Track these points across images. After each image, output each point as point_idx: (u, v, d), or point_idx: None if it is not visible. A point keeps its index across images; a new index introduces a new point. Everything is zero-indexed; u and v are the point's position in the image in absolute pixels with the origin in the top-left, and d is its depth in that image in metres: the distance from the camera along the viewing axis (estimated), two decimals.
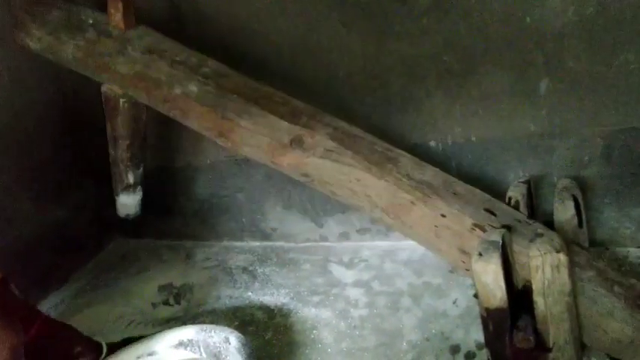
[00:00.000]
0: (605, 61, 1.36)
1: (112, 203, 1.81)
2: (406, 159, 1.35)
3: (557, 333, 1.10)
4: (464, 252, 1.23)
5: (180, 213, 2.10)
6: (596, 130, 1.44)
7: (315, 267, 1.85)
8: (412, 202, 1.28)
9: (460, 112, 1.56)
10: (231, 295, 1.78)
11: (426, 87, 1.57)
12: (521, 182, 1.39)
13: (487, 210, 1.24)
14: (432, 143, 1.64)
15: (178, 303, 1.80)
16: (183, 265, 2.00)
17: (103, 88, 1.58)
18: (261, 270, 1.88)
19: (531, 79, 1.44)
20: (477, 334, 1.36)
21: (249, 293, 1.77)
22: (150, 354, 1.45)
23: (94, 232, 2.17)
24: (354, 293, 1.68)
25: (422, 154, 1.64)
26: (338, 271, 1.80)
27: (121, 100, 1.56)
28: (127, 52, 1.51)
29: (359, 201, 1.36)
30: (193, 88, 1.45)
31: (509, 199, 1.33)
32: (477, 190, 1.31)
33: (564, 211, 1.29)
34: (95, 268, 2.09)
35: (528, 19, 1.38)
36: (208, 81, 1.45)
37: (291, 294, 1.73)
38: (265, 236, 2.02)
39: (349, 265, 1.82)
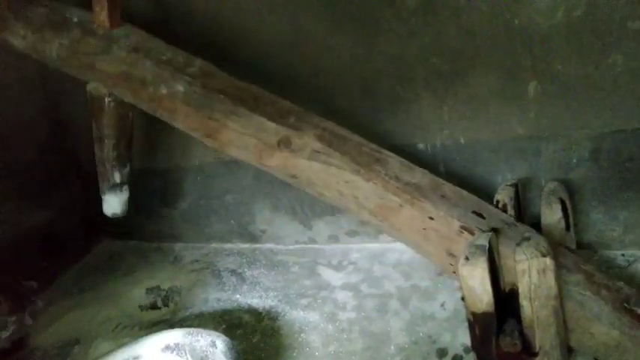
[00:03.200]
0: (594, 64, 1.36)
1: (100, 204, 1.79)
2: (394, 160, 1.35)
3: (544, 337, 1.10)
4: (452, 255, 1.23)
5: (169, 215, 2.08)
6: (584, 132, 1.44)
7: (304, 269, 1.84)
8: (400, 205, 1.27)
9: (448, 114, 1.56)
10: (219, 297, 1.77)
11: (415, 89, 1.56)
12: (509, 185, 1.39)
13: (475, 213, 1.24)
14: (421, 145, 1.63)
15: (166, 305, 1.79)
16: (171, 268, 1.99)
17: (89, 88, 1.56)
18: (250, 272, 1.87)
19: (520, 81, 1.44)
20: (465, 337, 1.36)
21: (238, 296, 1.76)
22: (135, 357, 1.44)
23: (81, 233, 2.15)
24: (342, 296, 1.67)
25: (410, 156, 1.63)
26: (326, 273, 1.79)
27: (107, 100, 1.54)
28: (113, 51, 1.48)
29: (347, 203, 1.35)
30: (180, 87, 1.43)
31: (497, 202, 1.33)
32: (466, 193, 1.30)
33: (551, 214, 1.29)
34: (82, 270, 2.07)
35: (517, 20, 1.38)
36: (195, 81, 1.43)
37: (280, 297, 1.72)
38: (254, 238, 2.00)
39: (338, 268, 1.81)
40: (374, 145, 1.38)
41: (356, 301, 1.63)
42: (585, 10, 1.31)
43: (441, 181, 1.33)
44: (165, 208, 2.06)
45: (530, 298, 1.09)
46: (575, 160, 1.47)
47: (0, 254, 1.79)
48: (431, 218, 1.25)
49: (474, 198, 1.30)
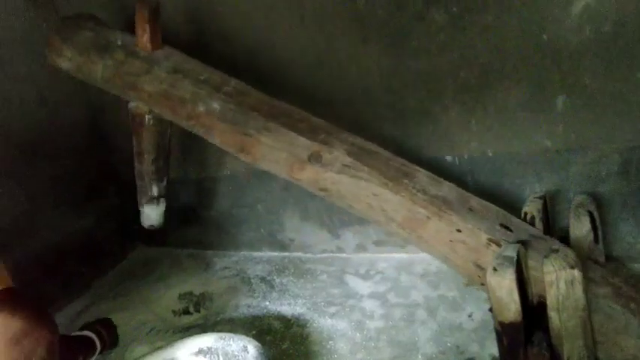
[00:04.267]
0: (622, 78, 1.37)
1: (135, 213, 1.86)
2: (422, 174, 1.38)
3: (571, 348, 1.11)
4: (479, 267, 1.25)
5: (201, 223, 2.15)
6: (613, 146, 1.44)
7: (332, 278, 1.87)
8: (428, 217, 1.30)
9: (476, 127, 1.58)
10: (249, 304, 1.82)
11: (443, 102, 1.59)
12: (537, 197, 1.40)
13: (502, 225, 1.26)
14: (449, 157, 1.66)
15: (198, 311, 1.84)
16: (203, 274, 2.04)
17: (130, 106, 1.65)
18: (279, 280, 1.92)
19: (548, 95, 1.46)
20: (492, 348, 1.37)
21: (267, 303, 1.80)
22: None
23: (117, 240, 2.23)
24: (370, 305, 1.70)
25: (438, 168, 1.67)
26: (354, 282, 1.83)
27: (147, 117, 1.62)
28: (154, 71, 1.56)
29: (375, 215, 1.38)
30: (216, 105, 1.50)
31: (525, 214, 1.34)
32: (492, 206, 1.32)
33: (580, 227, 1.30)
34: (117, 276, 2.15)
35: (545, 36, 1.40)
36: (230, 99, 1.50)
37: (308, 304, 1.76)
38: (283, 247, 2.05)
39: (365, 277, 1.84)
40: (402, 160, 1.41)
41: (383, 310, 1.66)
42: (613, 27, 1.33)
43: (468, 194, 1.35)
44: (197, 216, 2.13)
45: (558, 310, 1.10)
46: (604, 173, 1.48)
47: (42, 259, 1.87)
48: (458, 231, 1.27)
49: (502, 211, 1.31)
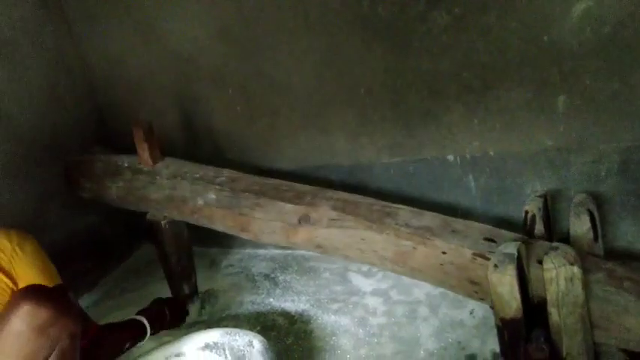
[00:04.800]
0: (622, 79, 1.39)
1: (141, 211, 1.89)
2: (404, 211, 1.44)
3: (571, 343, 1.13)
4: (473, 282, 1.27)
5: None
6: (613, 145, 1.46)
7: (335, 275, 1.90)
8: (414, 247, 1.34)
9: (478, 127, 1.60)
10: (253, 300, 1.84)
11: (445, 102, 1.61)
12: (538, 196, 1.42)
13: (486, 239, 1.29)
14: (450, 157, 1.68)
15: (203, 308, 1.87)
16: (208, 271, 2.07)
17: (148, 217, 1.81)
18: (283, 277, 1.94)
19: (549, 95, 1.48)
20: (493, 344, 1.40)
21: (271, 299, 1.83)
22: (177, 355, 1.52)
23: (124, 238, 2.26)
24: (372, 302, 1.72)
25: (440, 167, 1.70)
26: (357, 279, 1.85)
27: (163, 223, 1.76)
28: (157, 181, 1.78)
29: (369, 258, 1.44)
30: (212, 196, 1.67)
31: (526, 212, 1.37)
32: (476, 224, 1.36)
33: (580, 225, 1.32)
34: (123, 273, 2.18)
35: (546, 37, 1.42)
36: (224, 187, 1.67)
37: (312, 301, 1.79)
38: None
39: (368, 274, 1.86)
40: (385, 203, 1.49)
41: (386, 307, 1.68)
42: (613, 28, 1.35)
43: (451, 219, 1.40)
44: None
45: (557, 306, 1.12)
46: (604, 173, 1.50)
47: (50, 257, 1.90)
48: (444, 253, 1.30)
49: (486, 227, 1.35)
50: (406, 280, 1.79)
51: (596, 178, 1.51)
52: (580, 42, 1.39)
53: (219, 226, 1.68)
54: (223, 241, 2.18)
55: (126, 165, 1.86)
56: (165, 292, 1.95)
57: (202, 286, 1.96)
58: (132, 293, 2.02)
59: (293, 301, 1.81)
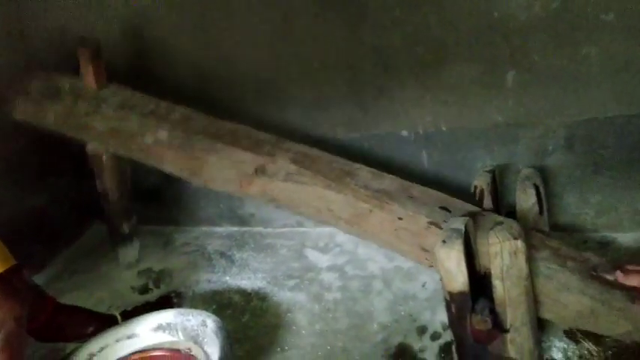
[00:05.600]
0: (569, 55, 1.42)
1: (91, 189, 1.83)
2: (364, 171, 1.42)
3: (514, 315, 1.17)
4: (424, 250, 1.29)
5: (160, 199, 2.12)
6: (560, 120, 1.50)
7: (292, 252, 1.90)
8: (370, 210, 1.34)
9: (431, 102, 1.61)
10: (209, 279, 1.83)
11: (399, 77, 1.61)
12: (487, 171, 1.44)
13: (442, 208, 1.31)
14: (404, 133, 1.68)
15: (158, 287, 1.84)
16: (163, 251, 2.04)
17: (88, 148, 1.69)
18: (239, 255, 1.93)
19: (499, 70, 1.49)
20: (443, 316, 1.42)
21: (227, 277, 1.82)
22: (129, 337, 1.50)
23: (73, 218, 2.19)
24: (328, 277, 1.73)
25: (394, 143, 1.70)
26: (313, 255, 1.86)
27: (104, 157, 1.67)
28: (102, 110, 1.64)
29: (324, 217, 1.43)
30: (164, 134, 1.56)
31: (475, 187, 1.39)
32: (433, 191, 1.37)
33: (526, 200, 1.35)
34: (74, 254, 2.11)
35: (496, 13, 1.43)
36: (177, 126, 1.57)
37: (268, 278, 1.78)
38: (243, 222, 2.06)
39: (324, 250, 1.87)
40: (344, 160, 1.46)
41: (341, 282, 1.70)
42: (561, 4, 1.36)
43: (410, 184, 1.40)
44: (157, 193, 2.10)
45: (502, 279, 1.15)
46: (550, 147, 1.54)
47: None
48: (400, 218, 1.31)
49: (442, 195, 1.36)
50: (361, 255, 1.81)
51: (544, 152, 1.55)
52: (529, 17, 1.40)
53: (168, 168, 1.59)
54: (179, 219, 2.15)
55: (67, 87, 1.71)
56: (119, 275, 1.92)
57: (157, 265, 1.93)
58: (83, 274, 1.96)
59: (249, 278, 1.80)
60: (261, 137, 1.53)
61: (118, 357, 1.45)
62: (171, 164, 1.58)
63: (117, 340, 1.49)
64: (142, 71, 1.91)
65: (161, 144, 1.57)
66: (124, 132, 1.61)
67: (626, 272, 1.09)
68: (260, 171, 1.44)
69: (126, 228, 1.79)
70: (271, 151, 1.47)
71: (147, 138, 1.57)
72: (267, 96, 1.79)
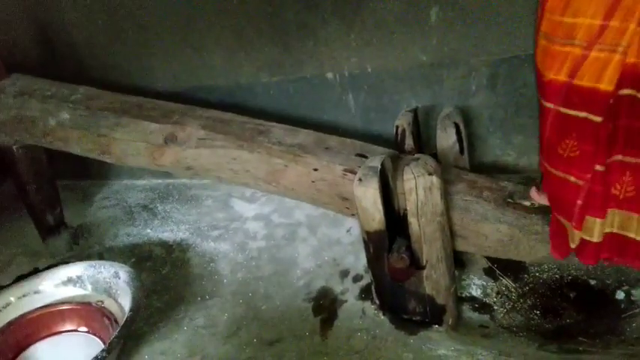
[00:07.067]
0: None
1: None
2: (278, 129, 1.38)
3: (430, 251, 1.16)
4: (344, 198, 1.26)
5: None
6: (483, 59, 1.47)
7: (217, 202, 1.83)
8: (285, 165, 1.30)
9: (355, 42, 1.54)
10: (129, 232, 1.75)
11: (322, 14, 1.53)
12: (408, 111, 1.41)
13: (358, 155, 1.27)
14: (330, 75, 1.62)
15: (76, 243, 1.74)
16: (81, 205, 1.93)
17: None
18: (162, 207, 1.85)
19: (422, 7, 1.44)
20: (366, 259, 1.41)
21: (148, 230, 1.75)
22: (36, 292, 1.41)
23: None
24: (253, 226, 1.69)
25: (320, 86, 1.64)
26: (239, 205, 1.80)
27: (14, 148, 1.57)
28: (1, 100, 1.56)
29: (242, 178, 1.38)
30: (66, 115, 1.50)
31: (397, 127, 1.35)
32: (350, 140, 1.34)
33: (446, 139, 1.33)
34: None
35: None
36: (79, 106, 1.51)
37: (191, 230, 1.72)
38: (167, 174, 1.96)
39: (251, 200, 1.82)
40: (258, 121, 1.42)
41: (266, 231, 1.66)
42: None
43: (325, 136, 1.37)
44: None
45: (417, 216, 1.13)
46: (474, 87, 1.51)
47: None
48: (315, 170, 1.28)
49: (359, 143, 1.34)
50: (288, 203, 1.76)
51: (467, 93, 1.52)
52: None
53: (75, 149, 1.53)
54: (100, 173, 2.03)
55: None
56: (33, 228, 1.79)
57: (74, 220, 1.82)
58: None
59: (172, 230, 1.73)
60: (168, 107, 1.49)
61: (22, 313, 1.37)
62: (77, 145, 1.51)
63: (23, 295, 1.40)
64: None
65: (64, 125, 1.50)
66: (26, 118, 1.54)
67: (540, 189, 1.09)
68: (170, 140, 1.40)
69: (51, 219, 1.69)
70: (180, 120, 1.43)
71: (49, 121, 1.50)
72: (187, 38, 1.67)
